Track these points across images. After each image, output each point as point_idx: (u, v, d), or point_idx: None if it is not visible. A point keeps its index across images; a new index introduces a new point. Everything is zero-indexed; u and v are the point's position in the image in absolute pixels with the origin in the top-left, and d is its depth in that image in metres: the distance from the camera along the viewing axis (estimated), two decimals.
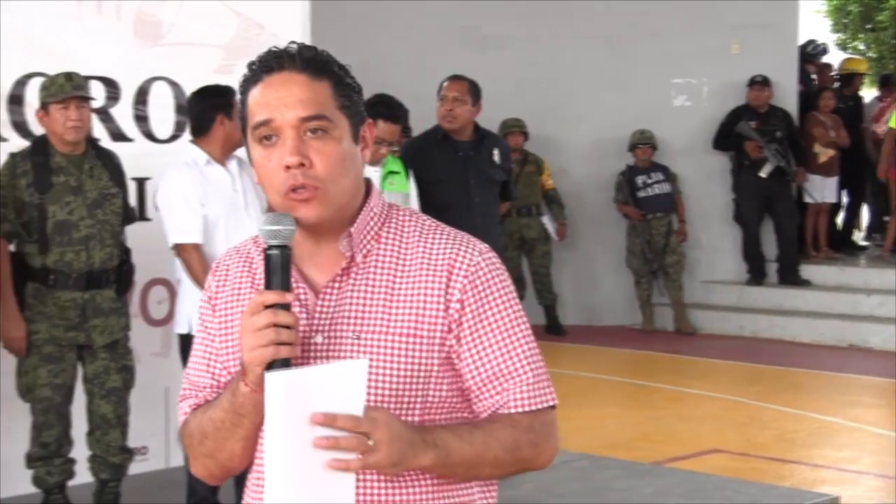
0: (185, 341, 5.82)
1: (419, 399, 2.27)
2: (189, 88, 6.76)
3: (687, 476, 7.10)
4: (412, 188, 6.52)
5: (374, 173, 6.31)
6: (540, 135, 12.57)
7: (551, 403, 2.32)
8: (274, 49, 2.27)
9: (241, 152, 6.30)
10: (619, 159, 12.71)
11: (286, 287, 2.15)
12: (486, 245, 2.35)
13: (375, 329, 2.25)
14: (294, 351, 2.13)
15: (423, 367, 2.26)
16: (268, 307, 2.11)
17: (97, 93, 6.55)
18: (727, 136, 12.70)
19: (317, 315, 2.27)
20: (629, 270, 12.78)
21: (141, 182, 6.77)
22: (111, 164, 6.06)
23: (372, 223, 2.32)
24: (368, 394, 2.15)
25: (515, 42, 12.90)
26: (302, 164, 2.19)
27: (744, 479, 7.01)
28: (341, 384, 2.09)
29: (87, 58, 6.67)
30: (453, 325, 2.27)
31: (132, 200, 6.69)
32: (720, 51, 12.94)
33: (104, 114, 6.79)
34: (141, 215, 6.67)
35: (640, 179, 12.52)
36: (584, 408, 9.11)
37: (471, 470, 2.25)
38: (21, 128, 6.44)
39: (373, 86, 7.57)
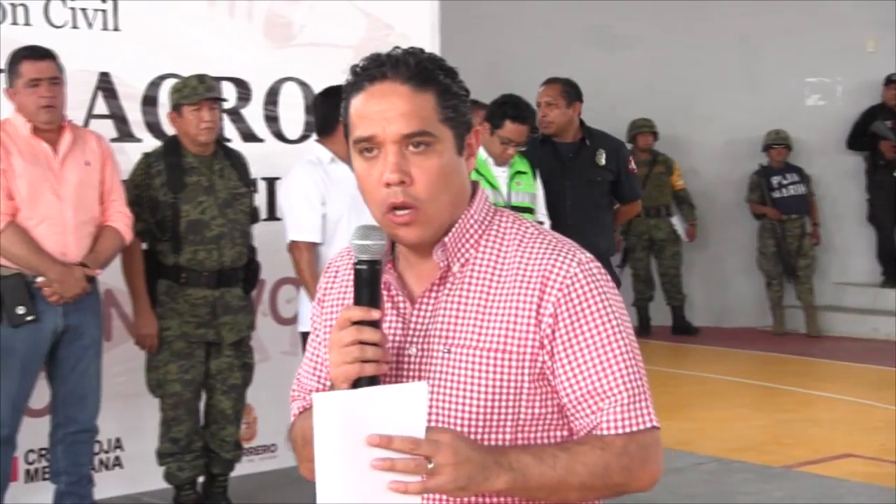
0: (307, 340, 5.82)
1: (510, 417, 2.17)
2: (319, 89, 6.77)
3: (818, 480, 6.96)
4: (539, 188, 6.46)
5: (501, 173, 6.30)
6: (670, 135, 12.44)
7: (650, 425, 2.18)
8: (378, 55, 2.19)
9: None
10: (751, 159, 12.49)
11: (374, 303, 2.09)
12: (589, 255, 2.22)
13: (466, 343, 2.17)
14: (381, 368, 2.07)
15: (513, 384, 2.16)
16: (354, 323, 2.06)
17: (228, 94, 6.61)
18: (861, 136, 12.39)
19: (412, 326, 2.21)
20: (760, 272, 12.57)
21: (271, 182, 6.82)
22: (239, 165, 6.12)
23: (472, 230, 2.23)
24: (456, 411, 2.13)
25: (646, 41, 12.76)
26: (402, 182, 2.12)
27: (877, 485, 6.85)
28: (400, 407, 1.99)
29: (219, 59, 6.73)
30: (545, 341, 2.15)
31: (263, 200, 6.76)
32: (855, 49, 12.63)
33: (235, 114, 6.85)
34: (271, 215, 6.72)
35: (774, 180, 12.29)
36: (714, 410, 9.01)
37: (553, 495, 2.10)
38: (154, 128, 6.52)
39: (502, 86, 7.59)
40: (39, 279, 5.35)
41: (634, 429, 2.15)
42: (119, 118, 6.51)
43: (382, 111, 2.12)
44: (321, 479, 1.98)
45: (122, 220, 5.72)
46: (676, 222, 12.36)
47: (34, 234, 5.38)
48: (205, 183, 5.92)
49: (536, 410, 2.17)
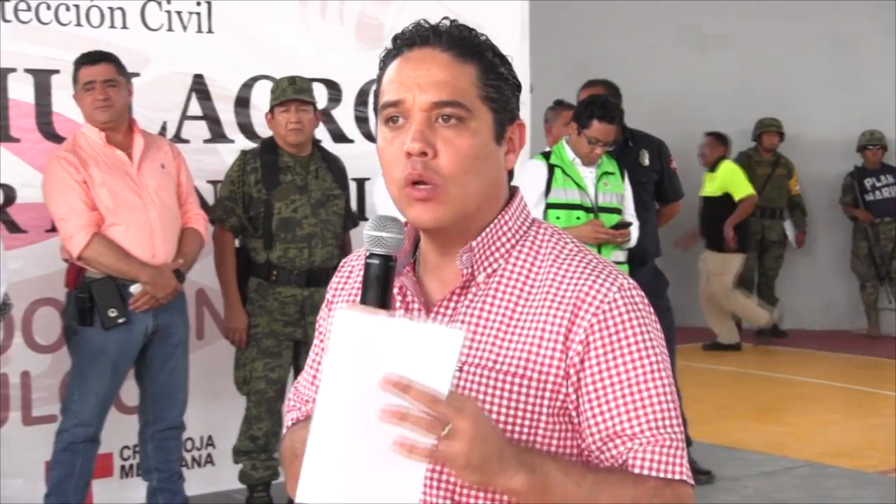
0: None
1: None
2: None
3: None
4: (627, 189, 6.42)
5: (588, 174, 6.27)
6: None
7: (685, 478, 1.90)
8: (422, 22, 1.97)
9: None
10: (846, 160, 12.35)
11: (383, 303, 1.82)
12: (632, 281, 1.98)
13: (481, 363, 1.92)
14: None
15: (528, 414, 1.90)
16: None
17: (319, 95, 6.63)
18: None
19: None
20: (854, 274, 12.40)
21: (360, 182, 6.84)
22: (335, 167, 6.16)
23: (504, 238, 1.98)
24: None
25: (737, 41, 12.65)
26: (424, 154, 1.87)
27: None
28: (429, 351, 1.68)
29: (310, 60, 6.77)
30: (572, 371, 1.90)
31: (353, 200, 6.78)
32: None
33: (326, 115, 6.88)
34: (360, 214, 6.74)
35: (868, 182, 12.14)
36: (807, 414, 8.94)
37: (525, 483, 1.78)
38: (247, 129, 6.58)
39: None
40: (133, 287, 5.42)
41: (670, 476, 1.89)
42: (212, 119, 6.58)
43: (416, 77, 1.91)
44: (320, 414, 1.72)
45: (200, 221, 5.82)
46: (788, 226, 12.25)
47: (122, 241, 5.45)
48: (299, 182, 5.97)
49: (553, 449, 1.92)
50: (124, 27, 6.23)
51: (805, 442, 7.94)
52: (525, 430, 1.90)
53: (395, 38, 1.98)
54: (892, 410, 9.12)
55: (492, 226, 1.97)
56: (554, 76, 9.56)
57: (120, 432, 5.95)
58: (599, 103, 6.26)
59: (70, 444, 5.45)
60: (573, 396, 1.90)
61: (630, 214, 6.35)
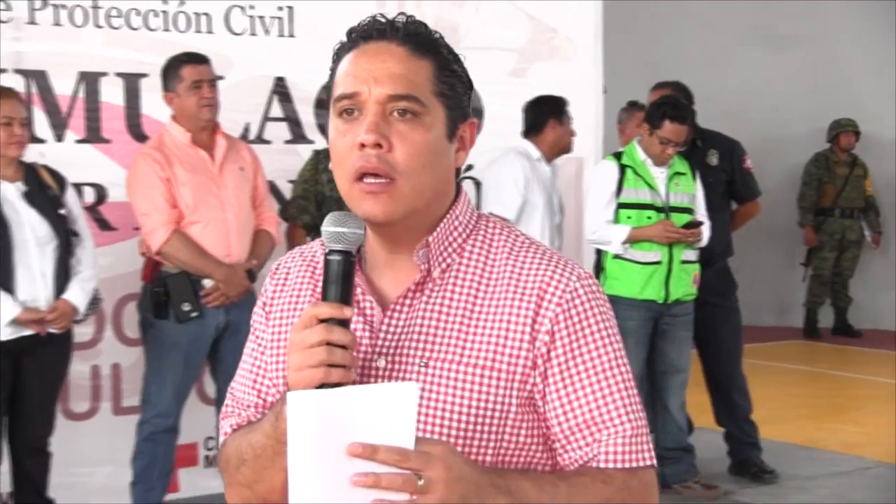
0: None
1: (492, 442, 1.89)
2: (483, 92, 6.87)
3: None
4: (699, 189, 6.43)
5: (660, 174, 6.26)
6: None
7: (650, 462, 1.93)
8: (380, 17, 1.93)
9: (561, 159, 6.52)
10: None
11: (346, 300, 1.79)
12: (587, 270, 1.98)
13: (447, 357, 1.89)
14: (348, 375, 1.77)
15: (497, 406, 1.88)
16: (322, 321, 1.77)
17: None
18: None
19: (381, 334, 1.92)
20: None
21: None
22: None
23: (456, 233, 1.95)
24: (433, 432, 1.85)
25: (809, 41, 12.52)
26: (379, 146, 1.83)
27: None
28: (386, 410, 1.69)
29: None
30: (539, 361, 1.89)
31: None
32: None
33: None
34: None
35: None
36: (882, 414, 8.79)
37: None
38: (325, 130, 6.65)
39: None
40: (205, 281, 5.56)
41: (636, 464, 1.91)
42: (293, 121, 6.69)
43: (371, 69, 1.87)
44: (294, 494, 1.70)
45: (273, 224, 5.95)
46: (865, 226, 12.16)
47: (199, 238, 5.58)
48: None
49: (521, 439, 1.92)
50: (209, 32, 6.36)
51: (881, 443, 7.78)
52: (495, 421, 1.88)
53: (350, 32, 1.94)
54: None
55: (445, 220, 1.95)
56: (627, 78, 9.58)
57: (204, 423, 6.07)
58: (671, 104, 6.27)
59: (151, 434, 5.58)
60: (539, 386, 1.90)
61: (701, 214, 6.36)
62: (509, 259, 1.95)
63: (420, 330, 1.91)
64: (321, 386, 1.74)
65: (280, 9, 6.61)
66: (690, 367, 6.57)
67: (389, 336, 1.91)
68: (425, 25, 1.95)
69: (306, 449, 1.68)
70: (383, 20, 1.92)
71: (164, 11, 6.28)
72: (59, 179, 5.37)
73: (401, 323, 1.91)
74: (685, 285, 6.32)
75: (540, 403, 1.91)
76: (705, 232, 6.35)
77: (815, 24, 12.44)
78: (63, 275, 5.21)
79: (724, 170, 6.93)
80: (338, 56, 1.94)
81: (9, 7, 5.93)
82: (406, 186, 1.85)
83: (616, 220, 6.26)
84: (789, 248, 12.36)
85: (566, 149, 6.65)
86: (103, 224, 6.12)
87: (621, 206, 6.27)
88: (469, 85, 1.98)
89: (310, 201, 6.02)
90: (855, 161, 12.04)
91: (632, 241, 6.20)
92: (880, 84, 12.34)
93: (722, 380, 6.90)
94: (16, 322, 5.03)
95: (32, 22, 6.00)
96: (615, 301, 6.31)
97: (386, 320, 1.92)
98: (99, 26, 6.13)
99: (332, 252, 1.81)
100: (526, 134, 6.61)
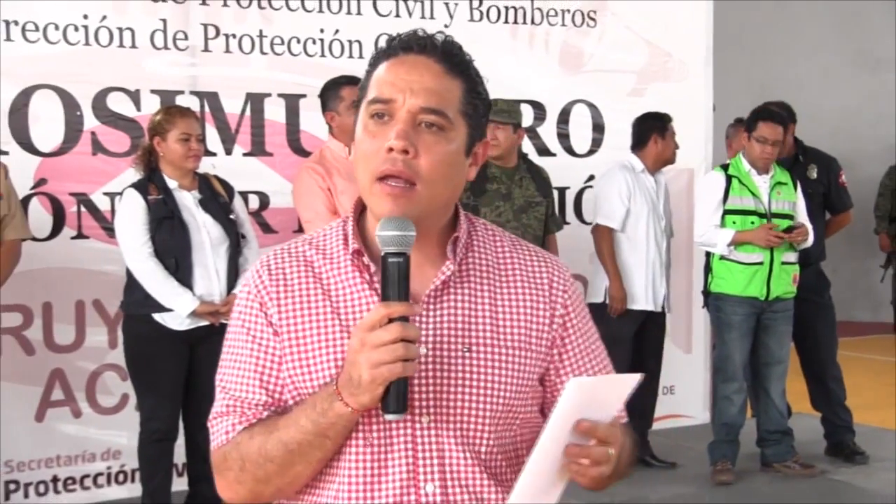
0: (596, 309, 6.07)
1: (518, 417, 1.89)
2: (605, 110, 6.83)
3: None
4: (800, 198, 6.33)
5: (762, 183, 6.25)
6: None
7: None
8: (420, 31, 1.87)
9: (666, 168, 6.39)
10: None
11: (406, 298, 1.73)
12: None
13: (487, 341, 1.85)
14: (415, 367, 1.72)
15: (530, 381, 1.89)
16: (392, 320, 1.70)
17: (526, 114, 6.68)
18: None
19: (420, 325, 1.82)
20: None
21: (562, 191, 6.86)
22: (539, 177, 6.15)
23: (466, 232, 1.93)
24: (478, 410, 1.82)
25: None
26: (406, 152, 1.78)
27: None
28: (608, 396, 1.79)
29: (520, 83, 6.82)
30: (558, 339, 1.92)
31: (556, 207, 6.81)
32: None
33: (532, 132, 6.92)
34: (563, 218, 6.77)
35: None
36: None
37: (613, 478, 1.84)
38: None
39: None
40: None
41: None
42: None
43: (409, 80, 1.81)
44: (533, 466, 1.74)
45: None
46: None
47: None
48: (503, 191, 5.99)
49: (530, 412, 1.93)
50: (360, 57, 6.35)
51: None
52: (526, 395, 1.89)
53: (391, 40, 1.87)
54: None
55: (460, 221, 1.93)
56: (735, 96, 9.41)
57: None
58: (763, 108, 6.32)
59: None
60: (556, 363, 1.93)
61: (803, 219, 6.25)
62: (513, 253, 1.96)
63: (457, 318, 1.85)
64: (392, 382, 1.70)
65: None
66: (789, 359, 6.47)
67: (428, 326, 1.83)
68: (460, 46, 1.89)
69: (558, 426, 1.73)
70: (424, 35, 1.85)
71: (321, 39, 6.32)
72: (228, 188, 5.39)
73: (437, 313, 1.85)
74: (785, 284, 6.23)
75: (553, 378, 1.94)
76: (810, 234, 6.22)
77: None
78: (233, 272, 5.23)
79: (821, 182, 6.84)
80: (375, 60, 1.87)
81: (186, 37, 6.00)
82: (425, 192, 1.80)
83: (722, 225, 6.21)
84: (877, 251, 12.05)
85: (669, 160, 6.54)
86: (266, 227, 6.16)
87: (727, 212, 6.21)
88: (488, 106, 1.95)
89: None
90: None
91: (735, 243, 6.15)
92: None
93: (818, 370, 6.79)
94: (194, 314, 5.06)
95: (206, 50, 6.07)
96: (722, 298, 6.28)
97: (423, 312, 1.84)
98: (264, 53, 6.18)
99: (390, 255, 1.73)
100: (633, 148, 6.53)
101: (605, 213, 6.40)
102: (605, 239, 6.37)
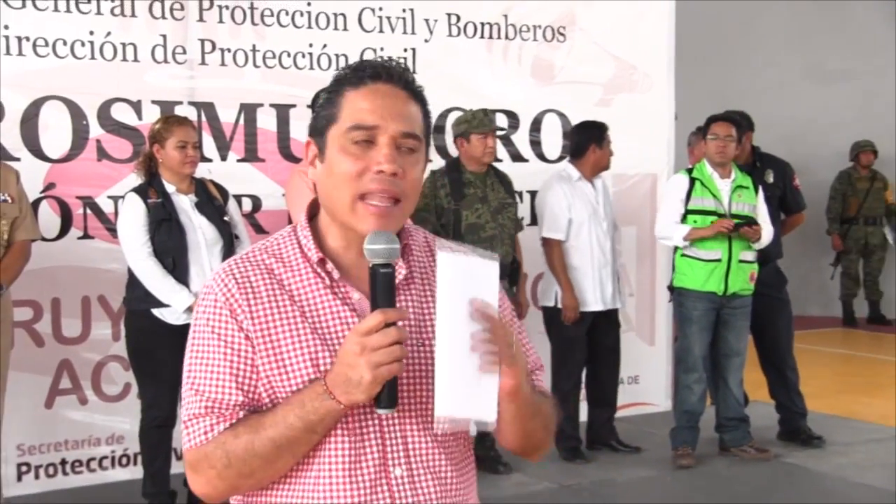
0: (549, 312, 6.34)
1: None
2: (574, 119, 6.84)
3: None
4: (760, 200, 6.34)
5: (724, 186, 6.22)
6: (883, 155, 11.94)
7: None
8: (376, 61, 1.90)
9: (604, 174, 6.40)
10: None
11: (394, 304, 1.77)
12: None
13: (433, 335, 1.83)
14: (403, 366, 1.77)
15: None
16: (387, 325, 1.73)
17: (500, 122, 6.72)
18: None
19: None
20: None
21: (533, 194, 6.89)
22: (505, 181, 6.21)
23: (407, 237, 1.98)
24: (430, 396, 1.83)
25: (856, 75, 12.26)
26: (395, 174, 1.82)
27: None
28: (480, 281, 1.79)
29: (495, 94, 6.86)
30: None
31: (527, 209, 6.85)
32: None
33: (506, 139, 6.96)
34: (533, 221, 6.80)
35: None
36: None
37: (533, 419, 1.94)
38: (442, 151, 6.68)
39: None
40: None
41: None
42: None
43: (385, 106, 1.84)
44: (441, 358, 1.74)
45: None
46: (888, 231, 11.92)
47: None
48: (480, 194, 6.02)
49: None
50: None
51: None
52: None
53: (357, 68, 1.88)
54: None
55: (406, 228, 1.97)
56: (696, 106, 9.42)
57: None
58: (714, 115, 6.32)
59: None
60: None
61: (764, 221, 6.27)
62: (425, 256, 1.98)
63: (410, 317, 1.88)
64: (387, 382, 1.74)
65: (405, 50, 6.63)
66: (747, 352, 6.49)
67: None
68: (412, 73, 1.92)
69: (446, 307, 1.73)
70: (388, 65, 1.89)
71: (309, 53, 6.33)
72: (223, 191, 5.41)
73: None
74: (742, 281, 6.23)
75: None
76: (765, 234, 6.23)
77: (862, 60, 12.16)
78: None
79: (777, 186, 6.86)
80: (339, 87, 1.88)
81: (185, 51, 6.02)
82: (405, 208, 1.86)
83: (684, 223, 6.22)
84: (828, 251, 12.11)
85: (605, 167, 6.45)
86: (258, 228, 6.17)
87: (689, 212, 6.22)
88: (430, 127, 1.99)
89: (430, 212, 5.98)
90: (875, 175, 11.82)
91: (690, 238, 6.15)
92: None
93: (778, 360, 6.82)
94: (190, 309, 5.06)
95: (203, 63, 6.09)
96: (683, 293, 6.30)
97: None
98: (257, 66, 6.21)
99: (379, 266, 1.76)
100: (571, 157, 6.46)
101: (550, 226, 6.32)
102: (554, 251, 6.30)
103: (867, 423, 7.41)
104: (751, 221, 6.17)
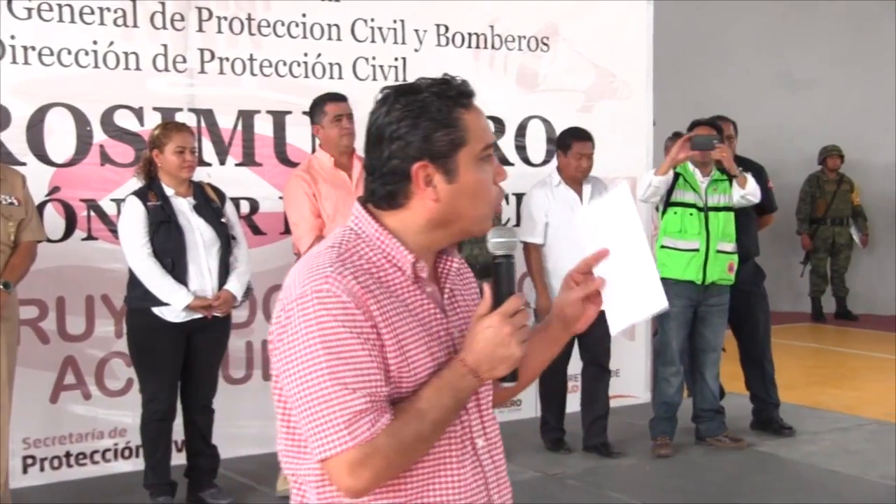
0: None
1: None
2: (557, 125, 6.78)
3: None
4: (735, 191, 6.24)
5: (703, 181, 6.18)
6: (850, 159, 11.89)
7: None
8: (455, 79, 1.90)
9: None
10: None
11: (515, 289, 1.85)
12: None
13: (466, 326, 1.89)
14: None
15: None
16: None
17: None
18: None
19: (450, 314, 1.91)
20: None
21: (519, 196, 6.81)
22: None
23: None
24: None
25: (823, 83, 12.23)
26: None
27: None
28: (619, 209, 2.01)
29: (481, 101, 6.68)
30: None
31: (513, 211, 6.77)
32: None
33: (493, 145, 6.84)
34: (518, 222, 6.71)
35: None
36: (875, 381, 8.64)
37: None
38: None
39: None
40: None
41: None
42: None
43: (488, 125, 1.92)
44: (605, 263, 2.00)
45: None
46: (854, 231, 11.90)
47: None
48: None
49: None
50: (340, 78, 6.28)
51: (874, 404, 7.64)
52: None
53: (457, 87, 1.88)
54: None
55: None
56: (673, 112, 9.38)
57: None
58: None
59: None
60: None
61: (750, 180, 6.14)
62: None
63: (461, 305, 1.95)
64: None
65: (396, 59, 6.54)
66: (723, 346, 6.43)
67: (452, 314, 1.92)
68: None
69: (596, 242, 2.01)
70: (467, 82, 1.90)
71: (304, 62, 6.23)
72: (220, 194, 5.30)
73: (449, 301, 1.93)
74: (720, 271, 6.13)
75: None
76: (750, 183, 6.12)
77: (828, 69, 12.14)
78: (224, 270, 5.15)
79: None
80: (451, 107, 1.84)
81: (185, 60, 5.92)
82: None
83: (664, 215, 6.16)
84: (798, 250, 12.07)
85: (571, 177, 6.14)
86: (256, 230, 6.08)
87: (671, 204, 6.13)
88: None
89: None
90: (842, 178, 11.78)
91: (659, 174, 5.97)
92: (879, 117, 11.97)
93: (757, 352, 6.72)
94: (188, 308, 4.98)
95: (203, 71, 5.98)
96: (664, 283, 6.13)
97: (445, 300, 1.93)
98: (254, 74, 6.10)
99: (502, 257, 1.84)
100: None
101: (528, 230, 6.15)
102: (531, 255, 6.12)
103: (834, 412, 7.38)
104: (729, 209, 6.11)
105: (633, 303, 1.97)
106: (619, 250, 1.97)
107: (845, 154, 11.78)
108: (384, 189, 1.85)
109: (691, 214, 6.08)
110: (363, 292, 1.76)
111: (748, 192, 6.15)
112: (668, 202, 6.15)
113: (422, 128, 1.82)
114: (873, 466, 6.00)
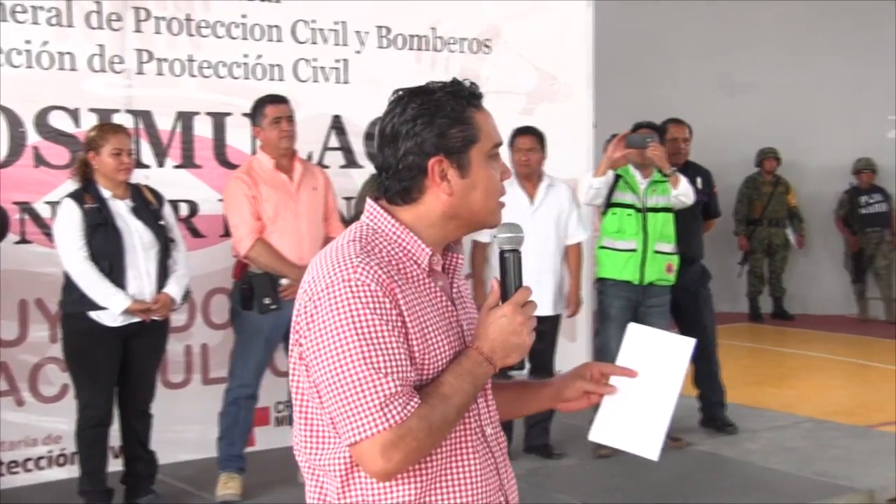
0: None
1: None
2: (500, 127, 6.68)
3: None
4: (674, 195, 6.25)
5: (642, 182, 6.18)
6: (786, 161, 12.03)
7: None
8: (465, 81, 1.95)
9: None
10: (842, 181, 12.04)
11: (522, 282, 1.92)
12: None
13: (470, 319, 1.99)
14: None
15: None
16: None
17: None
18: None
19: (458, 305, 1.98)
20: (846, 270, 12.14)
21: None
22: None
23: None
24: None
25: (760, 87, 12.34)
26: None
27: None
28: (672, 356, 2.01)
29: None
30: None
31: None
32: None
33: None
34: None
35: (862, 199, 11.83)
36: (811, 380, 8.76)
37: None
38: (374, 158, 6.49)
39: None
40: (283, 281, 5.33)
41: None
42: (347, 150, 6.53)
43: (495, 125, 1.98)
44: (617, 387, 2.04)
45: (339, 232, 5.68)
46: (789, 232, 12.03)
47: (278, 245, 5.36)
48: None
49: None
50: (281, 79, 6.19)
51: (810, 402, 7.75)
52: None
53: (469, 89, 1.94)
54: (879, 378, 8.89)
55: None
56: (613, 115, 9.39)
57: (275, 391, 5.92)
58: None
59: (235, 399, 5.41)
60: None
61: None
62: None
63: (469, 300, 2.02)
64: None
65: (337, 61, 6.45)
66: None
67: (459, 305, 1.97)
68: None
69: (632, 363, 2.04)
70: (475, 87, 1.95)
71: (245, 63, 6.13)
72: (158, 196, 5.18)
73: (458, 296, 1.99)
74: (658, 271, 6.12)
75: None
76: (682, 183, 6.10)
77: (765, 73, 12.26)
78: (163, 273, 5.04)
79: (704, 192, 6.78)
80: (461, 108, 1.90)
81: (122, 60, 5.78)
82: None
83: (604, 215, 6.16)
84: (735, 251, 12.16)
85: (518, 171, 6.03)
86: (195, 232, 5.96)
87: (612, 205, 6.12)
88: None
89: None
90: (778, 180, 11.92)
91: (597, 175, 6.02)
92: (815, 121, 12.14)
93: (708, 350, 6.68)
94: (126, 311, 4.87)
95: (140, 72, 5.85)
96: (604, 284, 6.23)
97: (454, 294, 1.98)
98: (193, 75, 5.98)
99: (509, 251, 1.92)
100: None
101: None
102: (476, 252, 6.05)
103: (772, 411, 7.43)
104: (668, 210, 6.12)
105: (628, 431, 2.01)
106: (649, 382, 2.00)
107: (782, 156, 11.92)
108: (400, 185, 1.92)
109: (629, 215, 6.08)
110: (389, 281, 1.81)
111: (680, 192, 6.13)
112: (608, 203, 6.14)
113: (437, 125, 1.88)
114: (809, 463, 6.04)
